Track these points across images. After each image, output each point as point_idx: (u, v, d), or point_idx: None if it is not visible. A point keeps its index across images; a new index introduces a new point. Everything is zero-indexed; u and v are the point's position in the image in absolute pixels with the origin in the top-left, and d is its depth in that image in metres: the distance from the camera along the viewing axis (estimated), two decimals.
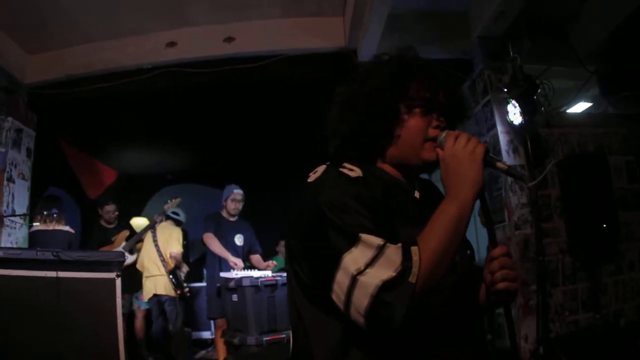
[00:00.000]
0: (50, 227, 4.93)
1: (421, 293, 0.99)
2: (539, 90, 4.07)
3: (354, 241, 1.03)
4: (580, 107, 5.32)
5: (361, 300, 0.99)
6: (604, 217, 3.93)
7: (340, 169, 1.19)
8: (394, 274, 0.98)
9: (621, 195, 4.29)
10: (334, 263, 1.03)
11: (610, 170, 4.17)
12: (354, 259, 1.02)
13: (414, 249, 1.02)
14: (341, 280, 1.02)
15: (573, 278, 4.13)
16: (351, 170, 1.19)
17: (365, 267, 1.00)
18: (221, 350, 4.73)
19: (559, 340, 3.88)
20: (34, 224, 4.87)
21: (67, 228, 5.05)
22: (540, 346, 3.79)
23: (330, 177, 1.18)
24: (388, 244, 1.02)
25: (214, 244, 4.97)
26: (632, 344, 3.90)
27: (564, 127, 4.41)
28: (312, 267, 1.14)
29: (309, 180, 1.21)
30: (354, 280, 1.00)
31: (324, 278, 1.06)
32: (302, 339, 1.20)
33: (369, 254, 1.01)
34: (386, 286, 0.98)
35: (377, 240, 1.02)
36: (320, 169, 1.23)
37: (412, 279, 0.99)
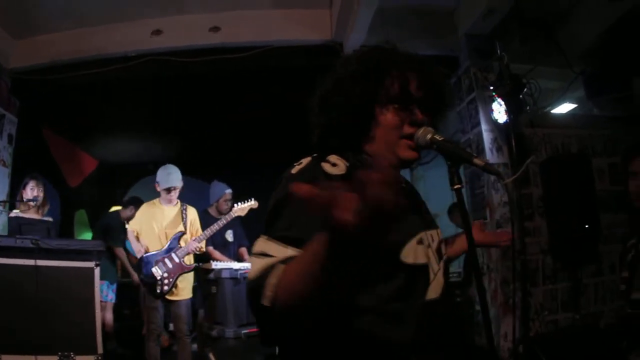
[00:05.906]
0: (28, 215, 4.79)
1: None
2: (525, 90, 4.07)
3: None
4: (565, 107, 5.34)
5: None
6: (586, 218, 3.91)
7: (323, 163, 1.17)
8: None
9: (603, 197, 4.29)
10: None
11: (593, 172, 4.15)
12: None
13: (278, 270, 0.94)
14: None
15: (553, 278, 4.15)
16: (334, 165, 1.17)
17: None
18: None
19: (538, 339, 3.89)
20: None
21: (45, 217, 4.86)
22: (520, 345, 3.80)
23: (308, 170, 1.16)
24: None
25: (219, 256, 4.95)
26: (612, 346, 3.91)
27: (549, 127, 4.44)
28: None
29: (292, 171, 1.19)
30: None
31: None
32: None
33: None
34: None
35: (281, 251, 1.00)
36: (305, 160, 1.21)
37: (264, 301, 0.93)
